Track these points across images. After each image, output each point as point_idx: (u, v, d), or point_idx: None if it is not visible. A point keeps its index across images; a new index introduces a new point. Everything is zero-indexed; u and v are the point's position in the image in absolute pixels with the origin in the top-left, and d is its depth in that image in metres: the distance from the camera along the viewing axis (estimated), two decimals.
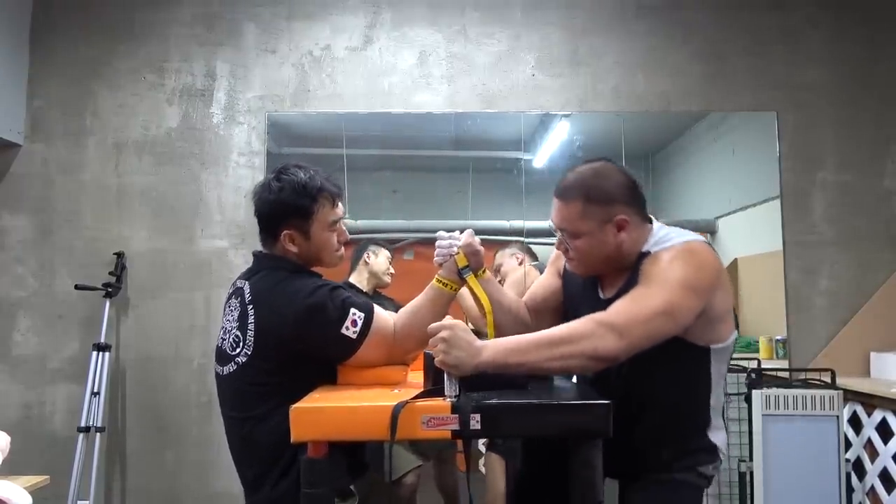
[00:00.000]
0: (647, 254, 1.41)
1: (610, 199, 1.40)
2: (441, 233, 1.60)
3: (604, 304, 1.40)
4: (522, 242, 2.95)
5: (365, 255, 2.78)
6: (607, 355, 1.26)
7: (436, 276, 1.58)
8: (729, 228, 3.09)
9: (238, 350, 1.55)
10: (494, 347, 1.27)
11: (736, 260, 3.07)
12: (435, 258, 1.60)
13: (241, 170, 2.99)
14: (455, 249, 1.56)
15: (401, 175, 3.19)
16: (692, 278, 1.32)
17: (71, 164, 2.98)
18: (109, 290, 2.81)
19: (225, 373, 1.58)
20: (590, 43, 3.06)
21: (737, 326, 2.95)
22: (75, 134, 2.99)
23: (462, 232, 1.58)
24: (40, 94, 3.00)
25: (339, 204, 1.64)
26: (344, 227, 1.66)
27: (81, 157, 2.98)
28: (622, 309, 1.29)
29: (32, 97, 3.00)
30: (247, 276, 1.61)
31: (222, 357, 1.59)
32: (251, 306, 1.53)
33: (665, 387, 1.42)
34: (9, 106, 2.90)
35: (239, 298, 1.57)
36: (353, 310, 1.49)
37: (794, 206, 2.99)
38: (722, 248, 3.10)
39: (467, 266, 1.55)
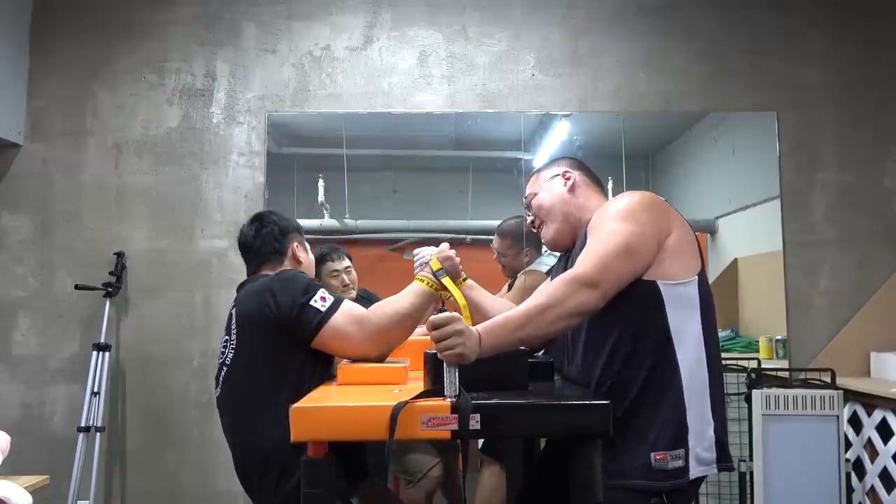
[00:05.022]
0: None
1: (557, 163, 1.69)
2: (416, 249, 1.78)
3: (564, 259, 1.64)
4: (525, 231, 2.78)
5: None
6: (587, 309, 1.33)
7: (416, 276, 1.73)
8: (729, 228, 3.09)
9: (226, 351, 1.60)
10: (489, 331, 1.30)
11: (736, 260, 3.07)
12: (414, 268, 1.76)
13: (241, 170, 2.99)
14: (428, 258, 1.71)
15: (401, 175, 3.19)
16: (635, 207, 1.42)
17: (71, 164, 2.98)
18: (109, 290, 2.81)
19: (219, 384, 1.66)
20: (590, 43, 3.06)
21: (737, 326, 3.02)
22: (75, 134, 2.99)
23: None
24: (40, 94, 3.00)
25: None
26: None
27: (81, 157, 2.98)
28: (587, 260, 1.35)
29: (32, 97, 3.00)
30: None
31: (218, 370, 1.69)
32: (234, 309, 1.67)
33: (609, 327, 1.40)
34: (9, 106, 2.90)
35: (229, 317, 1.70)
36: (322, 290, 1.60)
37: (794, 206, 2.99)
38: (722, 248, 3.10)
39: (442, 269, 1.68)
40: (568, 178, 1.63)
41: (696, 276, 1.42)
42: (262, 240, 1.79)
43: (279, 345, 1.55)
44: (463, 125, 3.07)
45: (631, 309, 1.38)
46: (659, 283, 1.38)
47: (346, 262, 2.61)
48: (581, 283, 1.31)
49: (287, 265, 1.79)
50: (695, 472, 1.35)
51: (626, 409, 1.36)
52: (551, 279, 1.74)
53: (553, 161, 1.72)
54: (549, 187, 1.65)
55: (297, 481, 1.46)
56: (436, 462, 2.56)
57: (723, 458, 1.39)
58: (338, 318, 1.55)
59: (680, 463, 1.33)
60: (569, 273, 1.34)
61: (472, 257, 2.73)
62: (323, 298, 1.57)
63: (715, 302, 1.48)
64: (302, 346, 1.57)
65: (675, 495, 1.35)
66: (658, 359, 1.37)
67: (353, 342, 1.56)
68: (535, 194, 1.67)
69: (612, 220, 1.40)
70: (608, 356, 1.40)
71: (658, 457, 1.33)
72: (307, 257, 1.87)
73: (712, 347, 1.43)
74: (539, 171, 1.72)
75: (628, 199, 1.44)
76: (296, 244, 1.82)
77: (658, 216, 1.42)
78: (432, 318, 1.29)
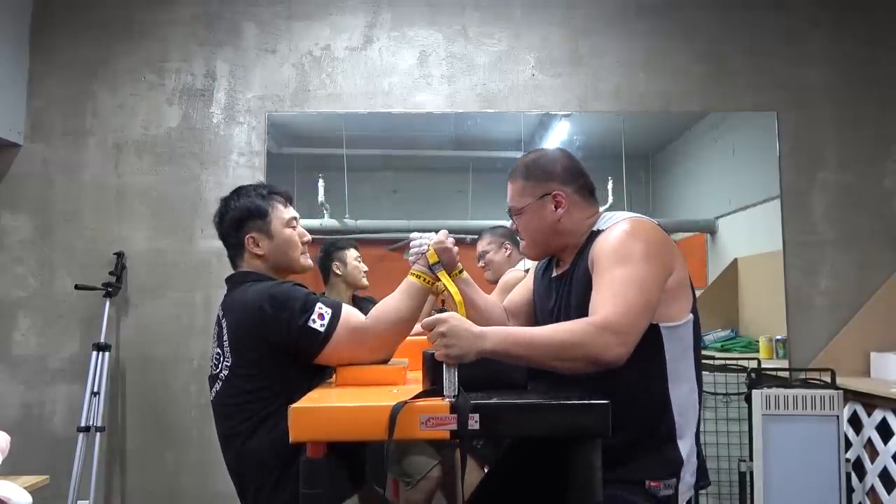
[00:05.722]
0: (598, 233, 1.46)
1: (547, 177, 1.52)
2: (414, 234, 1.65)
3: (556, 283, 1.51)
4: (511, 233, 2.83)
5: (333, 268, 2.67)
6: (609, 361, 1.28)
7: (410, 270, 1.64)
8: (729, 228, 3.09)
9: (220, 366, 1.58)
10: (498, 335, 1.28)
11: (736, 260, 3.07)
12: (410, 257, 1.64)
13: (241, 170, 2.99)
14: (426, 247, 1.61)
15: (401, 175, 3.19)
16: (649, 249, 1.36)
17: (71, 164, 2.98)
18: (109, 290, 2.81)
19: (213, 395, 1.62)
20: (590, 42, 3.06)
21: (737, 326, 3.02)
22: (75, 134, 2.99)
23: (437, 233, 1.64)
24: (40, 94, 3.00)
25: (291, 206, 1.72)
26: (303, 230, 1.72)
27: (81, 157, 2.98)
28: (615, 312, 1.28)
29: (32, 97, 3.00)
30: (223, 300, 1.66)
31: (211, 381, 1.64)
32: (223, 319, 1.58)
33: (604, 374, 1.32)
34: (9, 106, 2.90)
35: (217, 321, 1.62)
36: (318, 304, 1.51)
37: (794, 206, 2.99)
38: (722, 248, 3.10)
39: (438, 262, 1.59)
40: (559, 203, 1.49)
41: (691, 315, 1.42)
42: (221, 230, 1.68)
43: (275, 361, 1.51)
44: (463, 125, 3.07)
45: (631, 355, 1.31)
46: (661, 326, 1.38)
47: None
48: (608, 334, 1.26)
49: (248, 260, 1.66)
50: (682, 498, 1.38)
51: (619, 447, 1.33)
52: (534, 288, 1.68)
53: (542, 161, 1.56)
54: (538, 210, 1.51)
55: (290, 493, 1.46)
56: (435, 463, 2.56)
57: (701, 478, 1.44)
58: (338, 335, 1.50)
59: (670, 492, 1.36)
60: (597, 318, 1.28)
61: (472, 257, 2.74)
62: (321, 315, 1.50)
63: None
64: (300, 362, 1.54)
65: None
66: (654, 399, 1.39)
67: (355, 355, 1.54)
68: (521, 213, 1.54)
69: (627, 263, 1.33)
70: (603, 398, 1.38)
71: (653, 484, 1.35)
72: (270, 245, 1.65)
73: (699, 378, 1.45)
74: (527, 172, 1.55)
75: (640, 239, 1.37)
76: (250, 236, 1.64)
77: (666, 257, 1.38)
78: (425, 320, 1.29)
